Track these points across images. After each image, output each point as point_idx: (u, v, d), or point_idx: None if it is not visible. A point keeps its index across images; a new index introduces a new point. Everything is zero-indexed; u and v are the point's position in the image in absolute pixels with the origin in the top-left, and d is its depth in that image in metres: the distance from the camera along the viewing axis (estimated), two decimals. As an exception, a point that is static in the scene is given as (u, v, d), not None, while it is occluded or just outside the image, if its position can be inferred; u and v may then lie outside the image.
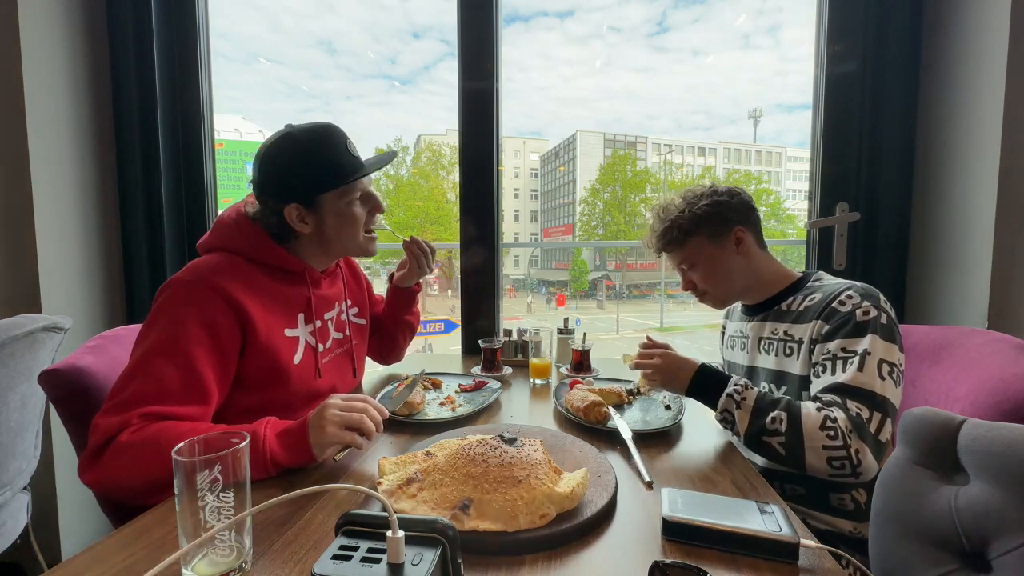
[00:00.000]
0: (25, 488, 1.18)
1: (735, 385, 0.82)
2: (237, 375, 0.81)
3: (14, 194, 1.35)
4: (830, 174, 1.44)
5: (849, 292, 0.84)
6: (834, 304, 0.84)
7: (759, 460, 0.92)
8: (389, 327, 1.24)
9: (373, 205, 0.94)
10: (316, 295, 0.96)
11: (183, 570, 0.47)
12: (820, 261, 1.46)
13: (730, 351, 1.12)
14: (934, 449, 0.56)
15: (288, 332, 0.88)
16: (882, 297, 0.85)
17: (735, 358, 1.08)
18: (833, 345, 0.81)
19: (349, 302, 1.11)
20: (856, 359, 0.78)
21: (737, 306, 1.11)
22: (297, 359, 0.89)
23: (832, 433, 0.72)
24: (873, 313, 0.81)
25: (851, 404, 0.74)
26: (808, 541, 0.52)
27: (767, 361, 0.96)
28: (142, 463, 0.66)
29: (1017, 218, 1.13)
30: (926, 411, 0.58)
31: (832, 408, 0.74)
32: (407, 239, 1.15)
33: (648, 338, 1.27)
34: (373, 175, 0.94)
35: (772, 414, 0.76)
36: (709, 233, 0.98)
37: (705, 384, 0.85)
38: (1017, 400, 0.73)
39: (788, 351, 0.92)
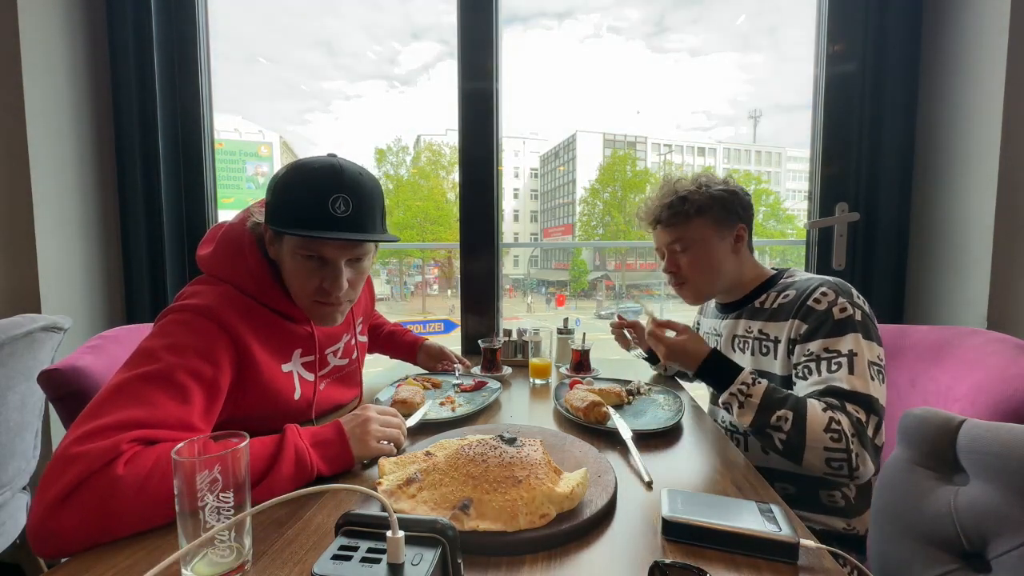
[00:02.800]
0: (25, 488, 1.18)
1: (741, 383, 0.81)
2: (238, 412, 0.77)
3: (14, 194, 1.35)
4: (830, 174, 1.44)
5: (823, 289, 0.84)
6: (809, 302, 0.84)
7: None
8: (370, 347, 1.26)
9: (327, 276, 0.78)
10: (320, 332, 0.90)
11: (183, 570, 0.47)
12: (820, 261, 1.46)
13: None
14: (934, 449, 0.56)
15: (284, 368, 0.84)
16: (855, 291, 0.85)
17: None
18: (815, 345, 0.81)
19: (359, 320, 1.05)
20: (844, 360, 0.78)
21: (711, 303, 1.12)
22: (297, 395, 0.86)
23: (836, 436, 0.72)
24: (849, 311, 0.81)
25: (850, 408, 0.74)
26: (808, 541, 0.52)
27: (743, 360, 0.96)
28: (148, 498, 0.55)
29: (1017, 218, 1.13)
30: (926, 411, 0.58)
31: (835, 411, 0.74)
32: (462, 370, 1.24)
33: (619, 317, 1.33)
34: (370, 243, 0.81)
35: (778, 412, 0.76)
36: (716, 218, 0.95)
37: (714, 369, 0.84)
38: (1017, 400, 0.73)
39: (764, 350, 0.91)
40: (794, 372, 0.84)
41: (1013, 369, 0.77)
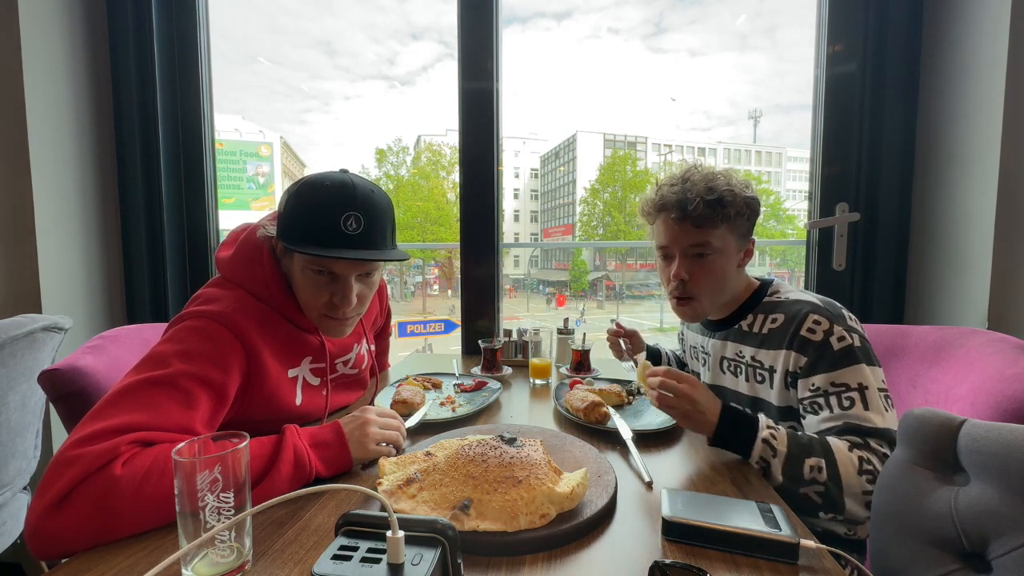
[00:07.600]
0: (25, 488, 1.18)
1: (770, 429, 0.74)
2: (241, 416, 0.78)
3: (15, 194, 1.35)
4: (830, 174, 1.44)
5: (815, 317, 0.80)
6: (802, 332, 0.80)
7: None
8: None
9: (336, 292, 0.79)
10: (331, 343, 0.91)
11: (183, 570, 0.47)
12: (820, 261, 1.46)
13: (693, 361, 1.10)
14: (934, 449, 0.56)
15: (291, 373, 0.84)
16: (846, 313, 0.82)
17: (698, 370, 1.07)
18: (820, 380, 0.78)
19: (368, 335, 1.06)
20: (856, 395, 0.75)
21: None
22: (298, 402, 0.85)
23: (870, 477, 0.69)
24: (847, 339, 0.78)
25: (874, 444, 0.73)
26: (808, 541, 0.52)
27: (737, 384, 0.93)
28: (146, 498, 0.55)
29: (1017, 218, 1.13)
30: (926, 411, 0.58)
31: (861, 449, 0.72)
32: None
33: (617, 324, 1.26)
34: (376, 260, 0.79)
35: (809, 462, 0.71)
36: (740, 229, 0.88)
37: (731, 432, 0.75)
38: (1017, 400, 0.73)
39: (760, 378, 0.88)
40: (801, 407, 0.81)
41: (1013, 369, 0.77)
